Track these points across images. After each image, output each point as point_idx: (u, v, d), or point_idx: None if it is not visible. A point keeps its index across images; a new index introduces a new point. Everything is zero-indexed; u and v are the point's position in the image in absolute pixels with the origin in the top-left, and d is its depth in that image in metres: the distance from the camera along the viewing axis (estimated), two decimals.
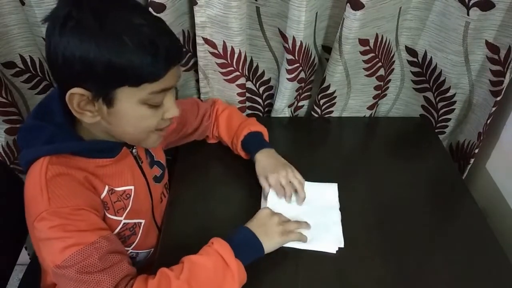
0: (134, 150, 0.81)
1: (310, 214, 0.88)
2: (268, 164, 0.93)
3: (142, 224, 0.83)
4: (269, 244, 0.78)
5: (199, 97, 1.19)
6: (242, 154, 0.99)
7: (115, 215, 0.76)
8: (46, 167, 0.67)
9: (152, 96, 0.67)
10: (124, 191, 0.78)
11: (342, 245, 0.84)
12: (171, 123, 0.75)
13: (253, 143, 0.97)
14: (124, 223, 0.78)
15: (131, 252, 0.82)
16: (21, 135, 0.73)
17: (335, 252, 0.83)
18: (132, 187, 0.79)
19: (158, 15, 0.91)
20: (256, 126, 1.00)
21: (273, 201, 0.90)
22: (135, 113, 0.68)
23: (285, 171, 0.91)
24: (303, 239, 0.82)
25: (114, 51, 0.61)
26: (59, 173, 0.68)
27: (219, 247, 0.72)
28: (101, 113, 0.68)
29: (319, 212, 0.90)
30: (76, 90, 0.64)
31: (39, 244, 0.67)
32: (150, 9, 0.91)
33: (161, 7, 0.91)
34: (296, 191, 0.91)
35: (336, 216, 0.90)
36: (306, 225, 0.85)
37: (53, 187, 0.66)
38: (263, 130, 1.01)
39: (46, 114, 0.71)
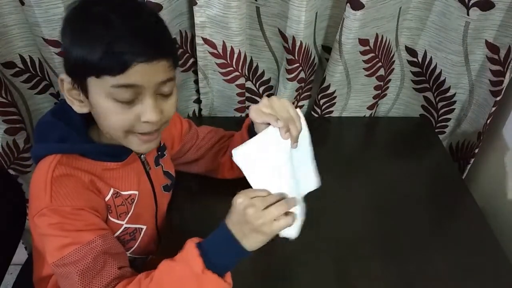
0: (142, 156, 0.81)
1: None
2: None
3: (143, 230, 0.83)
4: (252, 244, 0.63)
5: (198, 97, 1.19)
6: (245, 133, 0.84)
7: (117, 219, 0.77)
8: (54, 166, 0.68)
9: (115, 91, 0.64)
10: (129, 195, 0.78)
11: (318, 184, 0.74)
12: (152, 129, 0.69)
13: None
14: (125, 227, 0.78)
15: (128, 256, 0.82)
16: (37, 129, 0.75)
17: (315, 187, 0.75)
18: (136, 192, 0.79)
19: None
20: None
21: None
22: (104, 106, 0.66)
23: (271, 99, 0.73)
24: (290, 222, 0.63)
25: (77, 40, 0.63)
26: (66, 174, 0.69)
27: (187, 253, 0.64)
28: (87, 104, 0.69)
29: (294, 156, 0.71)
30: (62, 75, 0.68)
31: (42, 238, 0.69)
32: None
33: (158, 7, 0.91)
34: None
35: (308, 154, 0.75)
36: (293, 200, 0.65)
37: (57, 186, 0.67)
38: None
39: (63, 113, 0.73)
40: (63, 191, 0.67)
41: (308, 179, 0.74)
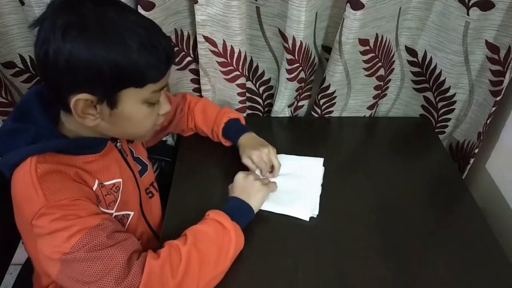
0: (118, 144, 0.82)
1: (291, 183, 0.96)
2: (250, 144, 0.98)
3: (131, 216, 0.83)
4: (255, 202, 0.85)
5: (199, 96, 1.19)
6: (223, 141, 1.03)
7: (107, 208, 0.77)
8: (35, 166, 0.66)
9: (153, 95, 0.71)
10: (114, 184, 0.79)
11: (315, 214, 0.90)
12: (164, 118, 0.80)
13: (234, 129, 1.01)
14: (114, 216, 0.79)
15: None
16: (0, 140, 0.72)
17: (307, 219, 0.89)
18: (120, 180, 0.80)
19: (147, 13, 0.91)
20: (233, 113, 1.04)
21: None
22: (138, 112, 0.71)
23: (266, 149, 0.96)
24: (274, 188, 0.91)
25: (120, 54, 0.62)
26: (50, 170, 0.67)
27: (215, 215, 0.78)
28: (102, 115, 0.69)
29: (301, 181, 0.97)
30: (82, 96, 0.64)
31: (39, 241, 0.66)
32: (139, 7, 0.90)
33: (150, 5, 0.90)
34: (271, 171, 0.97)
35: (316, 187, 0.96)
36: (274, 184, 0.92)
37: (46, 184, 0.66)
38: (240, 117, 1.04)
39: (25, 117, 0.71)
40: (54, 187, 0.66)
41: (300, 206, 0.91)
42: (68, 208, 0.66)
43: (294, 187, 0.95)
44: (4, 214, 0.74)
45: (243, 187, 0.86)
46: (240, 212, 0.82)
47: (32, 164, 0.67)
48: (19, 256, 0.98)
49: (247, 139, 0.99)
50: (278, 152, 0.98)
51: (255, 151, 0.95)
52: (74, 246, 0.63)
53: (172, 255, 0.70)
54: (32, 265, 0.84)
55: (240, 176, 0.89)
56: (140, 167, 0.90)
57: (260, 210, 0.89)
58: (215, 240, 0.75)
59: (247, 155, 0.96)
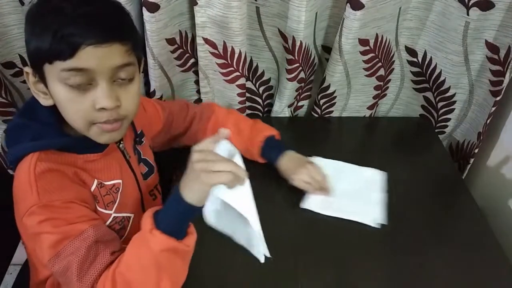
0: (121, 145, 0.81)
1: (351, 192, 0.95)
2: (288, 167, 0.95)
3: (131, 219, 0.83)
4: (189, 192, 0.63)
5: (199, 98, 1.19)
6: (260, 160, 0.99)
7: (105, 209, 0.77)
8: (34, 164, 0.68)
9: (66, 75, 0.64)
10: (114, 184, 0.79)
11: (384, 222, 0.89)
12: (110, 118, 0.68)
13: (271, 149, 0.97)
14: (114, 217, 0.79)
15: None
16: (8, 134, 0.74)
17: (377, 226, 0.88)
18: (120, 181, 0.80)
19: (151, 14, 0.91)
20: (268, 130, 1.00)
21: (312, 198, 0.94)
22: (59, 93, 0.66)
23: (305, 169, 0.93)
24: (230, 178, 0.61)
25: (32, 31, 0.65)
26: (48, 169, 0.68)
27: (143, 219, 0.65)
28: (50, 96, 0.69)
29: (361, 191, 0.95)
30: (26, 68, 0.68)
31: (32, 239, 0.68)
32: (143, 8, 0.91)
33: (155, 7, 0.91)
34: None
35: (377, 196, 0.95)
36: (242, 171, 0.63)
37: (42, 182, 0.67)
38: (275, 132, 1.00)
39: (31, 113, 0.72)
40: (49, 187, 0.67)
41: (367, 213, 0.89)
42: (58, 210, 0.66)
43: (358, 194, 0.94)
44: (4, 214, 0.74)
45: (188, 170, 0.64)
46: (170, 208, 0.65)
47: (32, 161, 0.68)
48: (19, 256, 0.98)
49: (285, 161, 0.96)
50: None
51: (295, 175, 0.92)
52: (58, 254, 0.65)
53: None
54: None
55: (193, 151, 0.64)
56: (147, 169, 0.90)
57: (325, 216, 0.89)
58: (137, 246, 0.66)
59: (296, 177, 0.93)
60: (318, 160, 1.00)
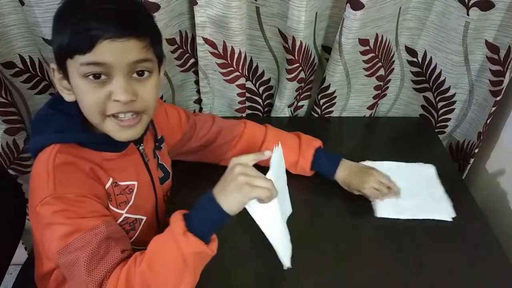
0: (141, 148, 0.82)
1: (414, 191, 0.94)
2: (353, 178, 0.93)
3: (143, 221, 0.84)
4: (227, 202, 0.65)
5: (199, 98, 1.19)
6: (309, 173, 0.97)
7: (117, 208, 0.77)
8: (54, 155, 0.69)
9: (85, 68, 0.66)
10: (128, 185, 0.79)
11: (454, 215, 0.90)
12: (124, 110, 0.69)
13: (324, 162, 0.95)
14: (125, 217, 0.79)
15: None
16: (34, 121, 0.77)
17: (451, 219, 0.90)
18: (135, 183, 0.80)
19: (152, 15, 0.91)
20: (314, 141, 0.97)
21: (383, 205, 0.92)
22: (79, 87, 0.68)
23: (371, 176, 0.91)
24: (267, 194, 0.65)
25: (55, 28, 0.67)
26: (67, 162, 0.70)
27: (173, 221, 0.66)
28: (73, 92, 0.70)
29: (423, 188, 0.96)
30: (52, 64, 0.70)
31: (42, 230, 0.69)
32: None
33: (155, 7, 0.91)
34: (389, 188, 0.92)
35: (438, 189, 0.96)
36: (275, 190, 0.67)
37: (59, 174, 0.68)
38: (319, 142, 0.98)
39: (60, 105, 0.74)
40: (66, 179, 0.68)
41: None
42: (72, 203, 0.67)
43: (420, 191, 0.95)
44: (4, 214, 0.74)
45: (224, 179, 0.68)
46: (204, 213, 0.66)
47: (53, 152, 0.70)
48: (19, 256, 0.98)
49: (344, 171, 0.94)
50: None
51: (364, 184, 0.91)
52: (68, 246, 0.65)
53: (129, 277, 0.65)
54: (31, 263, 0.84)
55: (230, 164, 0.69)
56: (163, 174, 0.90)
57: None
58: (166, 255, 0.65)
59: (367, 186, 0.91)
60: (369, 164, 0.99)
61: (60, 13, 0.67)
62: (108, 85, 0.67)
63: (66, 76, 0.69)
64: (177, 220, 0.65)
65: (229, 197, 0.65)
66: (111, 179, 0.76)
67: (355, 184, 0.92)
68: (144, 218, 0.84)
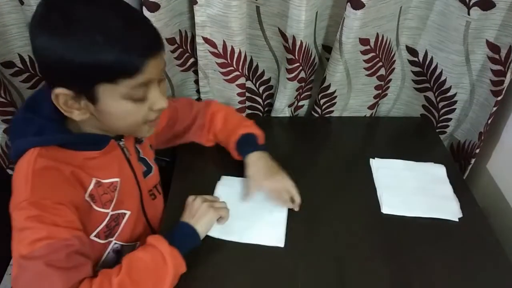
0: (121, 143, 0.81)
1: (422, 189, 0.96)
2: (260, 168, 0.91)
3: (127, 216, 0.83)
4: (200, 225, 0.80)
5: (198, 97, 1.19)
6: (235, 154, 0.97)
7: (103, 208, 0.77)
8: (35, 159, 0.68)
9: (133, 91, 0.66)
10: (111, 183, 0.79)
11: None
12: (160, 114, 0.75)
13: (246, 144, 0.95)
14: (111, 215, 0.79)
15: (115, 243, 0.82)
16: (12, 127, 0.75)
17: (457, 219, 0.90)
18: (118, 180, 0.80)
19: (152, 14, 0.91)
20: (252, 128, 0.98)
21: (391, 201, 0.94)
22: (120, 109, 0.68)
23: (280, 176, 0.90)
24: (228, 212, 0.86)
25: (83, 50, 0.61)
26: (47, 167, 0.68)
27: (152, 240, 0.74)
28: (89, 110, 0.69)
29: (431, 187, 0.96)
30: (59, 90, 0.65)
31: (14, 233, 0.66)
32: (144, 8, 0.90)
33: (155, 6, 0.91)
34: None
35: (447, 189, 0.96)
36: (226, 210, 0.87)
37: (38, 179, 0.67)
38: (260, 134, 0.98)
39: (36, 107, 0.73)
40: (44, 185, 0.67)
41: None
42: (48, 210, 0.66)
43: (428, 190, 0.95)
44: (3, 214, 0.74)
45: (190, 209, 0.83)
46: (181, 236, 0.78)
47: (33, 156, 0.68)
48: None
49: (257, 159, 0.92)
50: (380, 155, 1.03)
51: (268, 180, 0.90)
52: (34, 251, 0.62)
53: (103, 285, 0.65)
54: None
55: (189, 200, 0.85)
56: (145, 169, 0.89)
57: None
58: (151, 267, 0.70)
59: (257, 180, 0.90)
60: (378, 161, 1.01)
61: (80, 29, 0.61)
62: (146, 99, 0.70)
63: (89, 99, 0.66)
64: (161, 241, 0.73)
65: (200, 221, 0.81)
66: (94, 180, 0.75)
67: (260, 174, 0.91)
68: (128, 212, 0.83)
